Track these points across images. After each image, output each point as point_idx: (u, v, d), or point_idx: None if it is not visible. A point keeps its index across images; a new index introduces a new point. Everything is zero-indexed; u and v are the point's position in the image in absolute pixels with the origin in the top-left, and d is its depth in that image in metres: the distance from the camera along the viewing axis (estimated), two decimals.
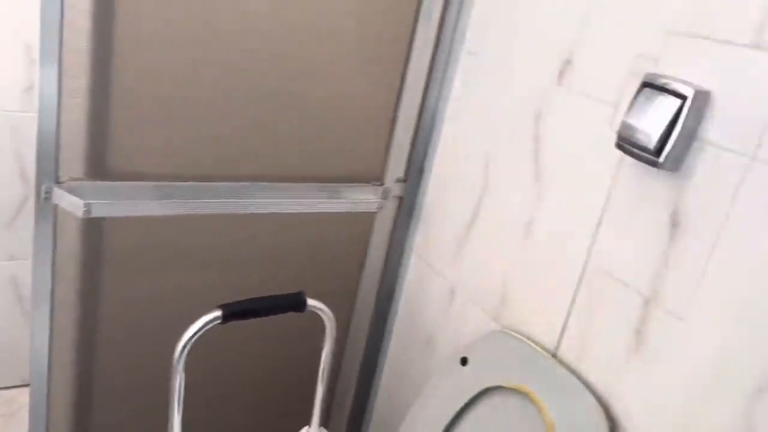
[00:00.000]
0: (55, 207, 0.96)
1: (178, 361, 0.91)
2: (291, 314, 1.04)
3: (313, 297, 1.00)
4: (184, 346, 0.90)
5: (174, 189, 1.05)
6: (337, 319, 1.14)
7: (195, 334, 0.90)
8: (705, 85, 0.74)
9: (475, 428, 1.02)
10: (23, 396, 1.81)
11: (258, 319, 1.15)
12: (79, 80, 0.93)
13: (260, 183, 1.12)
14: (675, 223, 0.79)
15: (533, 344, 0.98)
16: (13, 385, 1.87)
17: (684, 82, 0.75)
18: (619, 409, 0.87)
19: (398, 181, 1.25)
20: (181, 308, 1.02)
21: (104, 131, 0.97)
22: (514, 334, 1.02)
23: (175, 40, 0.97)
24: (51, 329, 1.04)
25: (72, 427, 1.14)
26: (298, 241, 1.21)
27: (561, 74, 0.95)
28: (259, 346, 1.26)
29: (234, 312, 0.90)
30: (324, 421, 1.36)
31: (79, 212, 0.94)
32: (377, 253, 1.29)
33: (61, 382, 1.10)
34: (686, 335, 0.79)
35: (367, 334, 1.36)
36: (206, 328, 0.91)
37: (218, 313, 0.90)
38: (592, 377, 0.91)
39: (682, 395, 0.79)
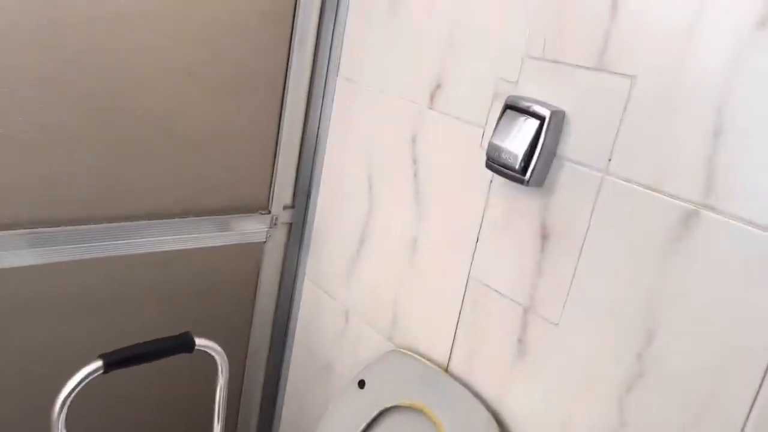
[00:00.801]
0: None
1: (58, 417, 0.86)
2: (182, 356, 1.01)
3: (206, 335, 0.97)
4: (64, 402, 0.85)
5: (46, 235, 0.99)
6: (233, 354, 1.11)
7: (75, 387, 0.85)
8: (560, 106, 0.79)
9: None
10: None
11: (148, 365, 1.11)
12: None
13: (140, 221, 1.08)
14: (544, 235, 0.83)
15: (426, 361, 1.00)
16: None
17: (542, 104, 0.79)
18: (508, 417, 0.90)
19: (285, 208, 1.25)
20: (64, 359, 0.96)
21: None
22: (407, 352, 1.03)
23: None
24: None
25: None
26: (185, 278, 1.17)
27: (432, 97, 0.98)
28: (152, 390, 1.21)
29: (116, 360, 0.86)
30: None
31: None
32: (269, 282, 1.28)
33: None
34: (561, 340, 0.83)
35: (264, 366, 1.34)
36: (87, 380, 0.86)
37: (99, 363, 0.86)
38: (482, 388, 0.94)
39: (563, 396, 0.83)
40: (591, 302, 0.79)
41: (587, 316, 0.80)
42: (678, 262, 0.69)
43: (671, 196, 0.69)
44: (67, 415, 0.88)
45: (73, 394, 0.86)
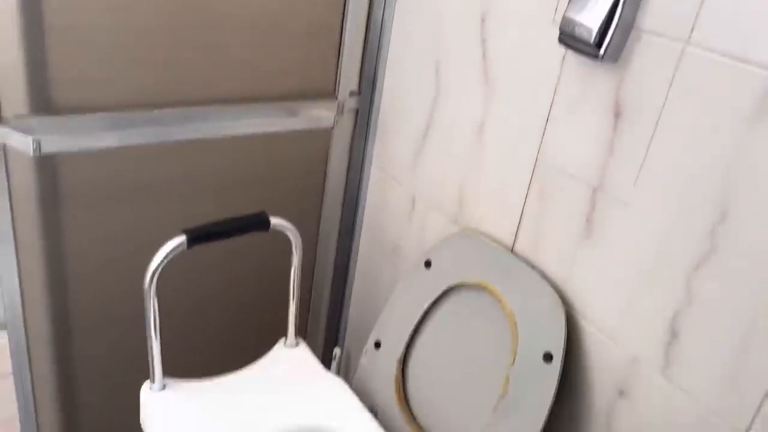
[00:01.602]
0: (4, 146, 0.94)
1: (149, 288, 0.93)
2: (261, 238, 1.06)
3: (279, 216, 1.02)
4: (153, 274, 0.92)
5: (125, 119, 1.03)
6: (305, 236, 1.16)
7: (162, 260, 0.92)
8: None
9: (442, 326, 1.07)
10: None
11: (232, 246, 1.17)
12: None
13: (213, 106, 1.10)
14: (618, 113, 0.81)
15: (491, 242, 1.02)
16: None
17: None
18: (573, 294, 0.92)
19: (352, 94, 1.24)
20: (147, 238, 1.03)
21: (43, 64, 0.94)
22: (473, 234, 1.05)
23: None
24: (19, 270, 1.05)
25: (54, 364, 1.16)
26: (258, 163, 1.21)
27: None
28: (234, 271, 1.29)
29: (198, 235, 0.92)
30: (302, 333, 1.41)
31: (29, 150, 0.92)
32: (338, 168, 1.30)
33: (37, 320, 1.11)
34: (630, 218, 0.82)
35: (335, 247, 1.39)
36: (173, 253, 0.92)
37: (182, 237, 0.91)
38: (547, 268, 0.95)
39: (630, 275, 0.84)
40: (663, 180, 0.78)
41: (659, 194, 0.79)
42: (761, 136, 0.67)
43: (759, 65, 0.66)
44: (157, 287, 0.95)
45: (160, 267, 0.92)
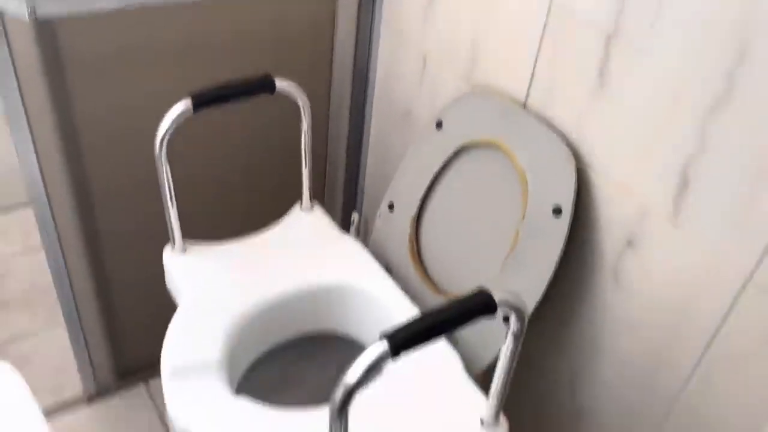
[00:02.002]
0: (2, 16, 0.92)
1: (160, 153, 0.94)
2: (274, 105, 1.05)
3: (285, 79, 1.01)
4: (162, 139, 0.93)
5: None
6: (316, 101, 1.15)
7: (170, 125, 0.92)
8: None
9: (453, 185, 1.08)
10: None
11: (246, 114, 1.16)
12: None
13: None
14: None
15: (503, 99, 1.00)
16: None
17: None
18: (585, 148, 0.91)
19: None
20: (156, 104, 1.02)
21: None
22: (484, 92, 1.03)
23: None
24: (34, 145, 1.07)
25: (81, 234, 1.22)
26: (262, 24, 1.17)
27: None
28: (250, 139, 1.30)
29: (203, 99, 0.92)
30: (320, 200, 1.43)
31: (25, 15, 0.90)
32: (346, 29, 1.26)
33: (59, 194, 1.15)
34: (644, 64, 0.80)
35: (348, 112, 1.38)
36: (180, 118, 0.93)
37: (188, 101, 0.91)
38: (559, 122, 0.94)
39: (642, 124, 0.82)
40: (680, 22, 0.74)
41: (676, 36, 0.75)
42: None
43: None
44: (169, 153, 0.97)
45: (169, 132, 0.93)
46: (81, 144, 1.12)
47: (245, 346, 1.02)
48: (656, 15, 0.76)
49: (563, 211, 0.91)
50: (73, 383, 1.44)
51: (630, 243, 0.88)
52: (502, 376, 0.80)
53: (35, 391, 1.45)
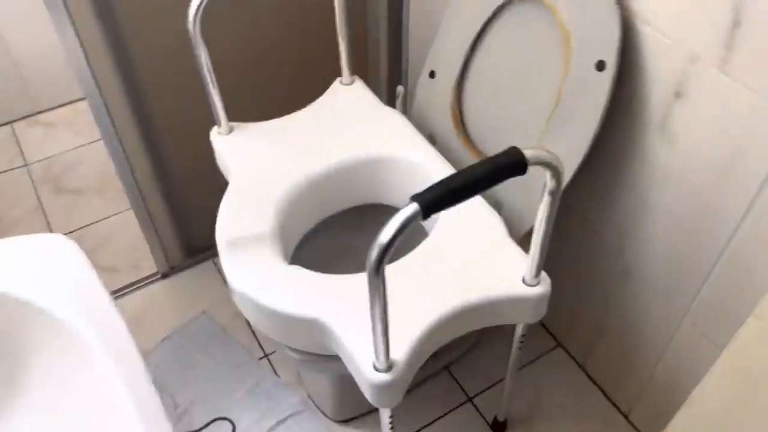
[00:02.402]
0: None
1: (194, 31, 0.95)
2: None
3: None
4: (194, 16, 0.94)
5: None
6: None
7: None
8: None
9: (494, 47, 1.06)
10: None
11: None
12: None
13: None
14: None
15: None
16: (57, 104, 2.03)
17: None
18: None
19: None
20: None
21: None
22: None
23: None
24: (79, 38, 1.09)
25: (135, 123, 1.27)
26: None
27: None
28: (285, 15, 1.29)
29: None
30: (363, 74, 1.41)
31: None
32: None
33: (109, 85, 1.19)
34: None
35: None
36: None
37: None
38: None
39: None
40: None
41: None
42: None
43: None
44: (205, 36, 0.97)
45: (201, 8, 0.94)
46: (123, 34, 1.14)
47: (295, 219, 1.07)
48: None
49: (607, 65, 0.89)
50: (148, 262, 1.56)
51: (678, 94, 0.87)
52: (541, 233, 0.82)
53: (115, 270, 1.58)
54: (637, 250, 1.05)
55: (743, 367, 0.63)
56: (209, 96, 1.06)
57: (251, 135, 1.13)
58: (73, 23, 1.07)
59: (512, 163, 0.68)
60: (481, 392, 1.33)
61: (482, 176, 0.67)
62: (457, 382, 1.35)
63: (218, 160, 1.12)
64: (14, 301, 0.67)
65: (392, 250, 0.65)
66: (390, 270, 0.77)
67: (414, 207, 0.64)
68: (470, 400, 1.33)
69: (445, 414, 1.31)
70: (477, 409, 1.31)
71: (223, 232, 0.99)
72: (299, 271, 0.94)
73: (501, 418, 1.26)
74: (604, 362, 1.28)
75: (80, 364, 0.66)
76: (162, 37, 1.17)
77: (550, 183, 0.74)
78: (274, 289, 0.92)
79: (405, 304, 0.86)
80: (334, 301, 0.90)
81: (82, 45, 1.10)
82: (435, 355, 1.18)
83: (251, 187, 1.04)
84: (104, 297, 0.68)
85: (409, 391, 1.09)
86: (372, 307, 0.71)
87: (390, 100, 1.49)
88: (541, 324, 1.42)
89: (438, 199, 0.65)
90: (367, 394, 0.85)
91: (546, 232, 0.81)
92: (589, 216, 1.12)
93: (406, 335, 0.84)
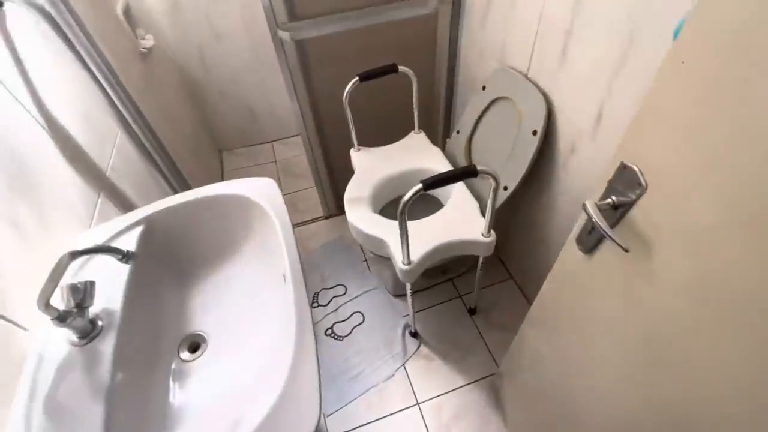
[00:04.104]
0: (281, 40, 1.05)
1: (346, 102, 1.05)
2: (402, 79, 1.08)
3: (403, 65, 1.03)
4: (346, 95, 1.04)
5: (334, 18, 1.05)
6: (426, 75, 1.16)
7: (349, 88, 1.03)
8: None
9: (488, 120, 1.09)
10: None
11: (392, 85, 1.17)
12: None
13: (371, 8, 1.09)
14: None
15: (515, 72, 0.99)
16: (291, 135, 1.95)
17: None
18: (554, 98, 0.90)
19: None
20: (345, 78, 1.04)
21: None
22: (506, 69, 1.02)
23: None
24: (298, 100, 1.17)
25: (318, 147, 1.33)
26: (396, 37, 1.16)
27: None
28: (392, 95, 1.28)
29: (364, 76, 1.01)
30: (427, 129, 1.41)
31: (290, 39, 1.02)
32: (443, 35, 1.21)
33: (309, 126, 1.26)
34: (582, 48, 0.78)
35: (445, 82, 1.30)
36: (353, 85, 1.02)
37: (356, 78, 1.00)
38: (542, 83, 0.92)
39: (582, 85, 0.81)
40: (604, 17, 0.71)
41: (601, 27, 0.73)
42: None
43: None
44: (351, 103, 1.04)
45: (349, 92, 1.01)
46: (317, 100, 1.21)
47: (382, 193, 1.12)
48: (591, 21, 0.74)
49: (538, 132, 0.92)
50: (318, 210, 1.60)
51: (572, 149, 0.89)
52: (489, 209, 0.87)
53: (303, 213, 1.61)
54: (552, 223, 1.03)
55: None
56: (351, 132, 1.13)
57: (368, 153, 1.18)
58: (296, 91, 1.13)
59: (470, 171, 0.76)
60: (466, 294, 1.30)
61: (453, 175, 0.75)
62: (455, 287, 1.32)
63: (353, 162, 1.18)
64: (248, 200, 0.68)
65: (409, 205, 0.73)
66: (417, 223, 0.86)
67: (420, 185, 0.74)
68: (460, 297, 1.30)
69: (445, 302, 1.29)
70: (463, 302, 1.28)
71: (348, 196, 1.05)
72: (379, 218, 1.00)
73: (473, 306, 1.26)
74: (530, 283, 1.24)
75: (270, 230, 0.65)
76: (332, 103, 1.20)
77: (492, 184, 0.80)
78: (367, 223, 0.98)
79: (420, 238, 0.91)
80: (391, 232, 0.94)
81: (299, 103, 1.17)
82: (445, 272, 1.25)
83: (364, 177, 1.10)
84: (284, 209, 0.67)
85: (428, 288, 1.15)
86: (401, 233, 0.80)
87: (442, 144, 1.47)
88: (502, 264, 1.35)
89: (432, 182, 0.74)
90: (400, 275, 0.90)
91: (492, 209, 0.86)
92: (526, 208, 1.11)
93: (419, 251, 0.89)
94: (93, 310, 0.54)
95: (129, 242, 0.64)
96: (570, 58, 0.82)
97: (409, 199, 0.74)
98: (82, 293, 0.49)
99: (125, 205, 0.83)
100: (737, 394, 0.37)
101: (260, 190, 0.70)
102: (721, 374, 0.39)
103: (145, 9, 1.48)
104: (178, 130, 1.40)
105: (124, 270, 0.59)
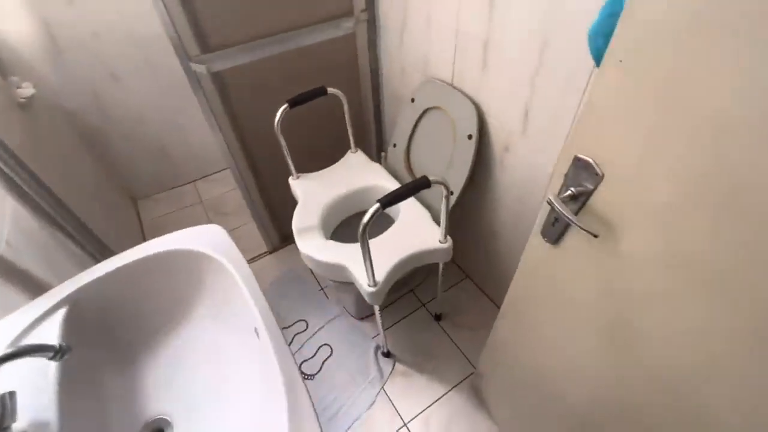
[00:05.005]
0: (196, 73, 0.99)
1: (277, 128, 1.01)
2: (331, 100, 1.07)
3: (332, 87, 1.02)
4: (278, 122, 1.00)
5: (250, 46, 1.02)
6: (354, 94, 1.16)
7: (280, 115, 0.99)
8: None
9: (422, 131, 1.11)
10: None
11: (321, 109, 1.15)
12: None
13: (289, 32, 1.07)
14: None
15: (441, 82, 1.02)
16: (216, 170, 1.88)
17: None
18: (481, 102, 0.94)
19: (362, 11, 1.14)
20: (273, 107, 1.03)
21: (199, 25, 0.94)
22: (432, 80, 1.04)
23: None
24: (222, 132, 1.10)
25: (252, 175, 1.26)
26: (321, 61, 1.16)
27: None
28: (321, 119, 1.27)
29: (294, 101, 0.98)
30: (361, 145, 1.41)
31: (205, 72, 0.97)
32: (363, 55, 1.24)
33: (237, 156, 1.18)
34: (505, 58, 0.82)
35: (371, 98, 1.33)
36: (284, 112, 0.98)
37: (286, 105, 0.97)
38: (468, 90, 0.96)
39: (506, 89, 0.85)
40: (517, 33, 0.76)
41: (513, 40, 0.77)
42: None
43: None
44: (282, 129, 1.00)
45: (280, 118, 0.98)
46: (244, 131, 1.15)
47: (331, 218, 1.10)
48: (506, 32, 0.78)
49: (473, 136, 0.95)
50: (261, 246, 1.52)
51: (506, 149, 0.94)
52: (443, 217, 0.88)
53: (245, 251, 1.51)
54: (495, 219, 1.07)
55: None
56: (287, 160, 1.09)
57: (308, 179, 1.15)
58: (219, 124, 1.07)
59: (424, 183, 0.77)
60: (429, 301, 1.31)
61: (410, 188, 0.75)
62: (417, 297, 1.32)
63: (293, 191, 1.14)
64: (199, 253, 0.64)
65: (369, 226, 0.71)
66: (374, 241, 0.84)
67: (377, 205, 0.73)
68: (423, 305, 1.30)
69: (410, 313, 1.29)
70: (427, 310, 1.28)
71: (296, 226, 1.01)
72: (334, 243, 0.97)
73: (438, 313, 1.27)
74: (487, 279, 1.28)
75: (228, 282, 0.62)
76: (261, 131, 1.16)
77: (444, 192, 0.81)
78: (322, 251, 0.95)
79: (381, 256, 0.89)
80: (349, 255, 0.92)
81: (223, 136, 1.10)
82: (405, 284, 1.24)
83: (308, 204, 1.07)
84: (239, 255, 0.64)
85: (391, 303, 1.15)
86: (363, 255, 0.77)
87: (377, 159, 1.48)
88: (457, 266, 1.39)
89: (389, 200, 0.73)
90: (367, 298, 0.88)
91: (447, 214, 0.87)
92: (473, 209, 1.14)
93: (382, 269, 0.88)
94: (18, 426, 0.42)
95: (50, 331, 0.52)
96: (491, 64, 0.86)
97: (369, 220, 0.71)
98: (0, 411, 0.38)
99: (32, 286, 0.70)
100: (710, 361, 0.40)
101: (206, 239, 0.64)
102: (693, 340, 0.40)
103: (16, 55, 1.29)
104: (81, 186, 1.24)
105: (50, 367, 0.48)
